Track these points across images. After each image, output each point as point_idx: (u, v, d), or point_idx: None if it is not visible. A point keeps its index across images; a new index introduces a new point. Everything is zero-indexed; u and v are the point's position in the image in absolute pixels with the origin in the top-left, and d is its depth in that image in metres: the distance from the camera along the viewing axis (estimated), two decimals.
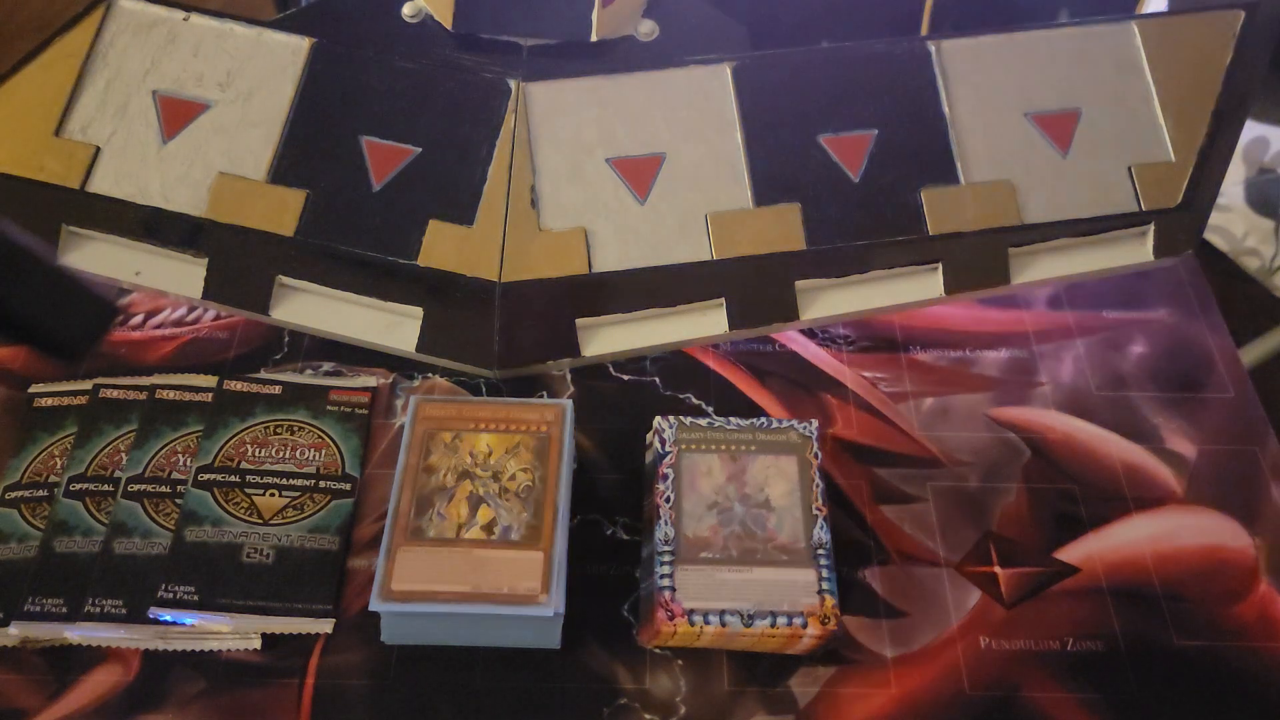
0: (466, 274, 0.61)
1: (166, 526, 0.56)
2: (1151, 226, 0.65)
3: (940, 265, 0.64)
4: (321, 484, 0.59)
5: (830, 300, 0.65)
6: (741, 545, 0.52)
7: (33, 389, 0.63)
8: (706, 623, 0.49)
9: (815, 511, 0.53)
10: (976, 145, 0.65)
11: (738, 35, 0.68)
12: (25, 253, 0.39)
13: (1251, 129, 1.16)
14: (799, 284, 0.64)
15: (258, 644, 0.53)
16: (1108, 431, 0.63)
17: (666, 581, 0.50)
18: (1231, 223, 1.17)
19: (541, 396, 0.64)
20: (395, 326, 0.63)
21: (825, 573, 0.51)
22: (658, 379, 0.65)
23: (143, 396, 0.61)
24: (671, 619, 0.49)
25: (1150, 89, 0.66)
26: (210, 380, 0.62)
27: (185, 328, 0.67)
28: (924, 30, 1.05)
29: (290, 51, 0.66)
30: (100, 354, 0.65)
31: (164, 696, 0.52)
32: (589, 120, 0.65)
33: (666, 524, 0.52)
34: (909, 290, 0.65)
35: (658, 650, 0.54)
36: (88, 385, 0.62)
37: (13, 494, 0.58)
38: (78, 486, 0.57)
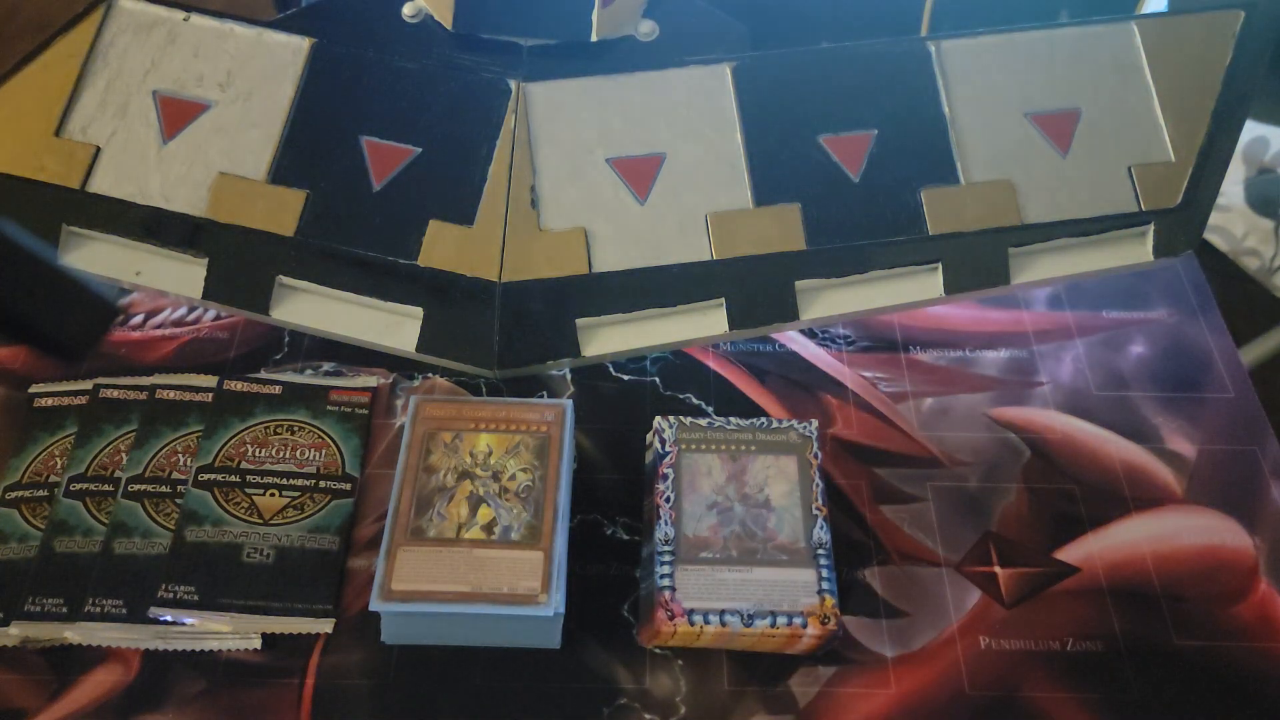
0: (466, 274, 0.61)
1: (166, 526, 0.56)
2: (1151, 226, 0.65)
3: (940, 265, 0.64)
4: (321, 484, 0.59)
5: (830, 300, 0.65)
6: (741, 545, 0.52)
7: (33, 389, 0.63)
8: (706, 623, 0.49)
9: (815, 511, 0.53)
10: (976, 145, 0.65)
11: (738, 35, 0.68)
12: (25, 253, 0.39)
13: (1251, 129, 1.15)
14: (799, 284, 0.64)
15: (258, 644, 0.53)
16: (1108, 431, 0.63)
17: (666, 581, 0.50)
18: (1231, 223, 1.17)
19: (541, 396, 0.64)
20: (395, 326, 0.63)
21: (825, 573, 0.51)
22: (658, 379, 0.65)
23: (143, 396, 0.61)
24: (671, 619, 0.49)
25: (1150, 89, 0.66)
26: (210, 380, 0.62)
27: (185, 328, 0.67)
28: (924, 30, 1.05)
29: (290, 51, 0.66)
30: (100, 354, 0.65)
31: (164, 696, 0.52)
32: (589, 120, 0.65)
33: (666, 524, 0.52)
34: (909, 290, 0.65)
35: (658, 650, 0.54)
36: (88, 385, 0.62)
37: (13, 494, 0.58)
38: (78, 486, 0.57)
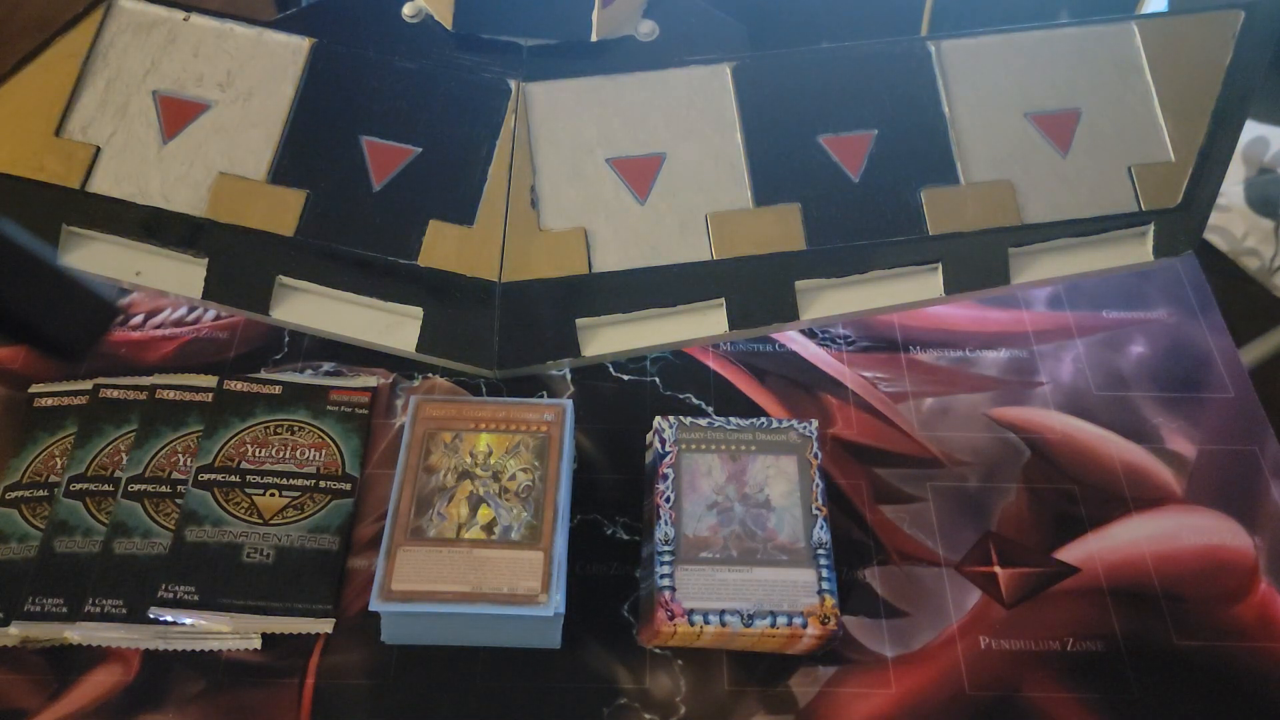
0: (466, 274, 0.61)
1: (167, 526, 0.56)
2: (1151, 226, 0.65)
3: (940, 265, 0.64)
4: (321, 484, 0.59)
5: (830, 300, 0.65)
6: (741, 545, 0.52)
7: (33, 389, 0.63)
8: (706, 623, 0.49)
9: (815, 511, 0.53)
10: (976, 145, 0.65)
11: (738, 35, 0.68)
12: (25, 253, 0.39)
13: (1251, 129, 1.15)
14: (799, 284, 0.64)
15: (258, 644, 0.53)
16: (1108, 431, 0.63)
17: (666, 581, 0.50)
18: (1231, 223, 1.17)
19: (541, 396, 0.64)
20: (395, 326, 0.63)
21: (825, 573, 0.51)
22: (658, 379, 0.65)
23: (143, 396, 0.61)
24: (671, 619, 0.49)
25: (1150, 89, 0.66)
26: (210, 380, 0.62)
27: (185, 328, 0.67)
28: (924, 30, 1.05)
29: (290, 51, 0.66)
30: (100, 354, 0.65)
31: (164, 696, 0.52)
32: (589, 120, 0.65)
33: (666, 524, 0.52)
34: (909, 290, 0.65)
35: (658, 650, 0.54)
36: (88, 385, 0.62)
37: (13, 494, 0.58)
38: (78, 486, 0.57)
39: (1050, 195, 0.64)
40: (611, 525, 0.59)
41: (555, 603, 0.49)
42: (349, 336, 0.64)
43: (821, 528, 0.52)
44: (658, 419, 0.56)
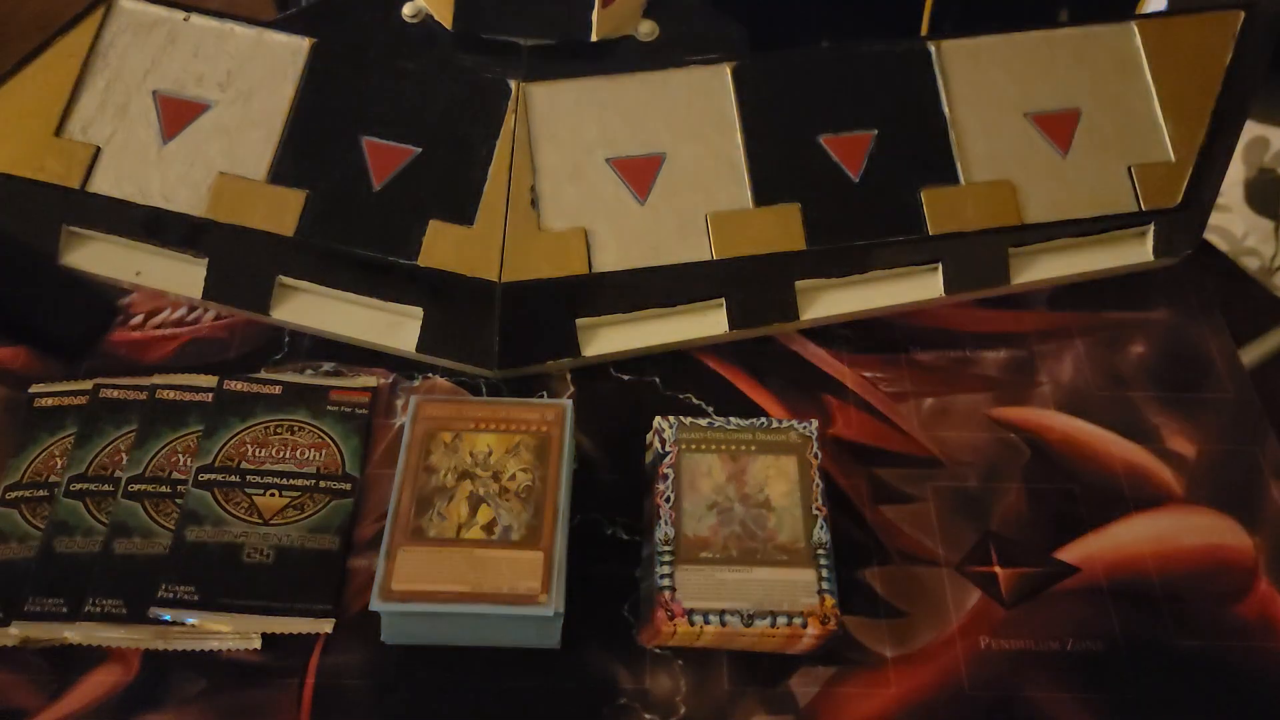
0: (466, 274, 0.61)
1: (167, 526, 0.56)
2: (1151, 226, 0.65)
3: (940, 265, 0.64)
4: (322, 484, 0.59)
5: (830, 300, 0.65)
6: (741, 545, 0.52)
7: (33, 389, 0.63)
8: (706, 623, 0.49)
9: (815, 511, 0.53)
10: (976, 145, 0.65)
11: (738, 35, 0.68)
12: (25, 253, 0.39)
13: (1251, 129, 1.15)
14: (799, 284, 0.64)
15: (258, 644, 0.53)
16: (1108, 431, 0.63)
17: (666, 581, 0.50)
18: (1231, 223, 1.17)
19: (541, 396, 0.64)
20: (395, 326, 0.63)
21: (825, 573, 0.51)
22: (658, 379, 0.65)
23: (143, 396, 0.61)
24: (671, 619, 0.49)
25: (1150, 89, 0.66)
26: (210, 380, 0.62)
27: (185, 328, 0.67)
28: (924, 30, 1.05)
29: (290, 52, 0.66)
30: (100, 354, 0.65)
31: (164, 696, 0.52)
32: (589, 120, 0.65)
33: (666, 524, 0.52)
34: (909, 290, 0.65)
35: (658, 650, 0.54)
36: (88, 385, 0.62)
37: (13, 494, 0.58)
38: (78, 486, 0.57)
39: (1050, 195, 0.64)
40: (611, 525, 0.59)
41: (555, 603, 0.49)
42: (349, 336, 0.64)
43: (821, 528, 0.52)
44: (658, 419, 0.56)
